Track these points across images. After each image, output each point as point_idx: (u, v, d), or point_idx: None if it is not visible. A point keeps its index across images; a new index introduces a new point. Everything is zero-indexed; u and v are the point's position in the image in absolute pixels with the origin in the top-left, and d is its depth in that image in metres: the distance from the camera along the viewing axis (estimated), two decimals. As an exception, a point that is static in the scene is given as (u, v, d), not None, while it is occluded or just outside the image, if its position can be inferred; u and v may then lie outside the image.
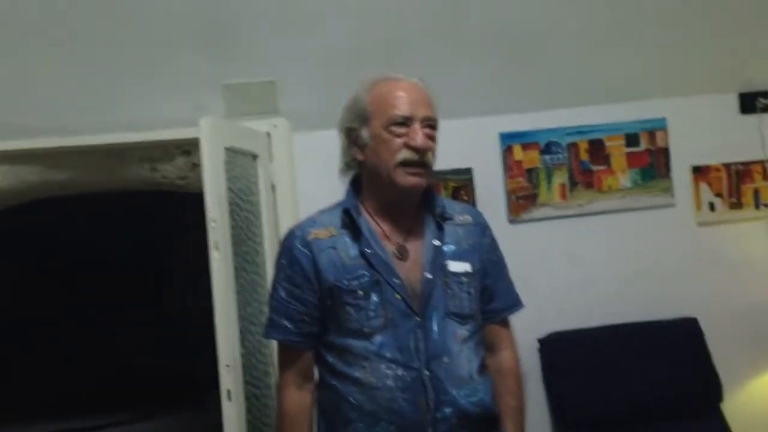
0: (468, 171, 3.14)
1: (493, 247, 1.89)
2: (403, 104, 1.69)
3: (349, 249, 1.72)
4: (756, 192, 3.23)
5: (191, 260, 3.04)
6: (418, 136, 1.68)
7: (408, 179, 1.69)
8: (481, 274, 1.81)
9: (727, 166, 3.23)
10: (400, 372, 1.65)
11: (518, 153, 3.17)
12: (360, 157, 1.75)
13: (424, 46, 2.90)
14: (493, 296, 1.85)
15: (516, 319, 2.04)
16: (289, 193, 2.93)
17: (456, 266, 1.75)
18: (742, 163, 3.23)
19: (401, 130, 1.68)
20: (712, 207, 3.22)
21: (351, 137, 1.75)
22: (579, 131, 3.20)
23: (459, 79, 3.01)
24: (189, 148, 2.96)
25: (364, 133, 1.72)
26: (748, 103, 3.24)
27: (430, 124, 1.72)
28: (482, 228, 1.86)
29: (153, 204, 3.97)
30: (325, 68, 2.86)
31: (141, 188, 3.15)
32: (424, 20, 2.84)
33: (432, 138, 1.72)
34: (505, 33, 2.92)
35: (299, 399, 1.75)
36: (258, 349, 2.52)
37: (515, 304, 1.91)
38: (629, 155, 3.20)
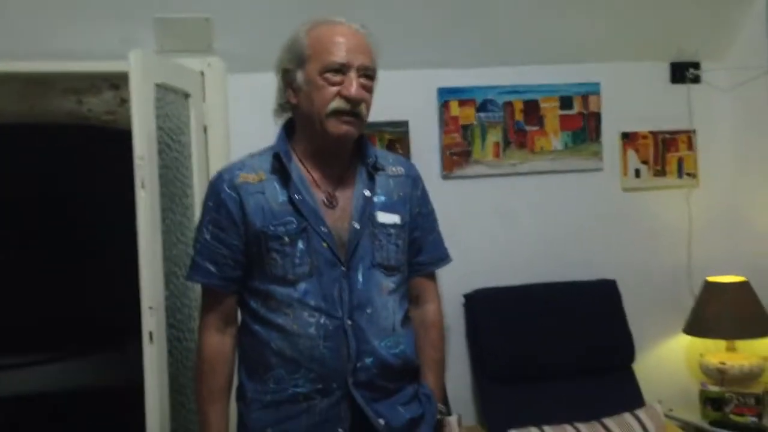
0: (404, 124, 3.14)
1: (424, 200, 1.89)
2: (340, 51, 1.64)
3: (277, 194, 1.69)
4: (680, 161, 3.34)
5: (117, 198, 2.95)
6: (353, 86, 1.64)
7: (339, 128, 1.66)
8: (411, 227, 1.81)
9: (655, 134, 3.32)
10: (322, 320, 1.65)
11: (455, 109, 3.17)
12: (293, 100, 1.71)
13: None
14: (421, 249, 1.86)
15: (444, 274, 2.07)
16: (221, 134, 2.87)
17: (385, 217, 1.74)
18: (669, 132, 3.32)
19: (336, 77, 1.64)
20: (637, 173, 3.31)
21: (286, 79, 1.71)
22: (515, 91, 3.22)
23: (399, 30, 2.97)
24: (118, 82, 2.84)
25: (299, 77, 1.67)
26: (679, 73, 3.32)
27: (367, 73, 1.67)
28: (414, 180, 1.86)
29: (77, 138, 3.83)
30: (263, 9, 2.77)
31: (65, 121, 3.02)
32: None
33: (367, 88, 1.68)
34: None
35: (220, 343, 1.74)
36: (182, 291, 2.48)
37: (443, 258, 1.93)
38: (562, 117, 3.25)
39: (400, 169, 1.83)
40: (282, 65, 1.72)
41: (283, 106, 1.76)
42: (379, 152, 1.84)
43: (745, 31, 3.21)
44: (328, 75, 1.64)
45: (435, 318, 1.91)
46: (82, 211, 4.82)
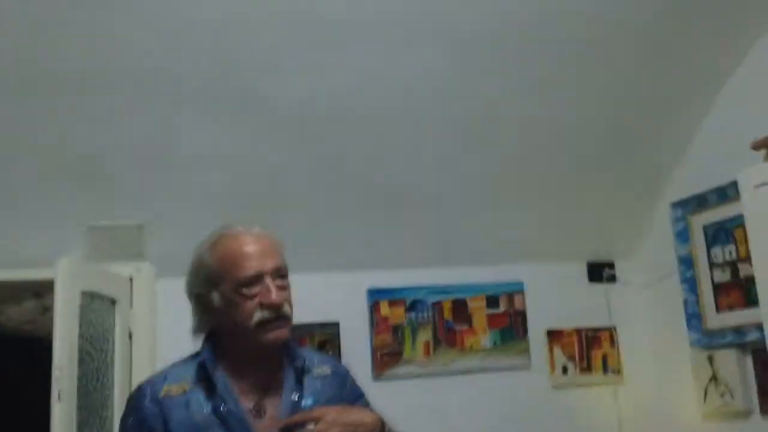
0: (335, 325, 3.15)
1: (356, 393, 1.85)
2: (250, 262, 1.64)
3: (202, 406, 1.63)
4: (604, 357, 3.42)
5: (33, 412, 2.78)
6: (272, 293, 1.63)
7: (270, 336, 1.65)
8: None
9: (579, 331, 3.41)
10: None
11: (385, 309, 3.22)
12: (213, 320, 1.70)
13: (296, 198, 2.97)
14: None
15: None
16: (147, 340, 2.81)
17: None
18: (592, 329, 3.43)
19: (253, 289, 1.64)
20: (565, 370, 3.36)
21: (201, 303, 1.70)
22: (443, 291, 3.31)
23: (329, 233, 3.08)
24: (41, 290, 2.80)
25: (215, 298, 1.66)
26: (596, 272, 3.50)
27: (281, 273, 1.70)
28: (342, 378, 1.83)
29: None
30: (194, 213, 2.83)
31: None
32: (297, 174, 2.92)
33: (284, 288, 1.70)
34: (376, 191, 3.05)
35: None
36: None
37: None
38: (490, 316, 3.33)
39: (327, 369, 1.81)
40: (193, 290, 1.71)
41: (201, 326, 1.74)
42: (307, 353, 1.82)
43: (653, 233, 3.45)
44: (244, 290, 1.63)
45: None
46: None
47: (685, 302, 3.17)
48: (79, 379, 2.29)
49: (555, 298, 3.42)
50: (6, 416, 4.41)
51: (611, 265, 3.52)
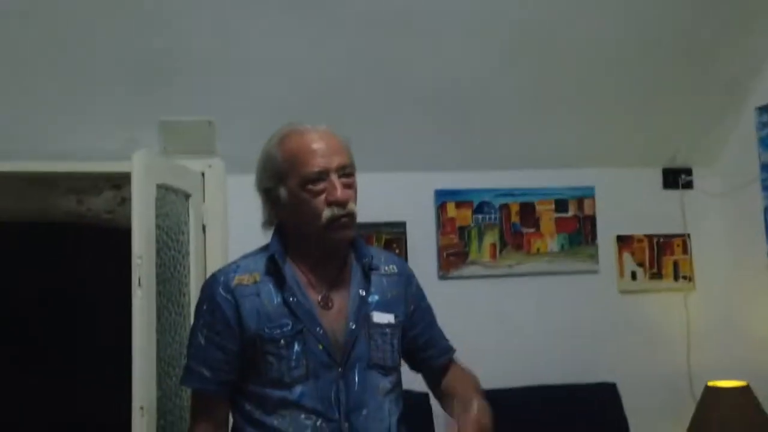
0: (401, 225, 3.17)
1: (420, 296, 1.88)
2: (316, 159, 1.64)
3: (272, 296, 1.68)
4: (675, 264, 3.36)
5: (112, 298, 2.94)
6: (338, 190, 1.64)
7: (338, 234, 1.66)
8: (409, 324, 1.80)
9: (650, 237, 3.35)
10: (319, 423, 1.62)
11: (451, 210, 3.22)
12: (282, 216, 1.72)
13: (364, 98, 2.94)
14: (428, 344, 1.84)
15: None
16: (219, 234, 2.89)
17: (380, 317, 1.73)
18: (664, 236, 3.35)
19: (319, 186, 1.64)
20: (633, 276, 3.32)
21: (270, 198, 1.72)
22: (511, 193, 3.27)
23: (398, 134, 3.06)
24: (119, 182, 2.89)
25: (282, 193, 1.67)
26: (671, 178, 3.39)
27: (346, 171, 1.69)
28: (407, 278, 1.85)
29: (77, 237, 3.84)
30: (264, 111, 2.84)
31: (64, 220, 3.05)
32: (365, 74, 2.88)
33: (350, 185, 1.69)
34: (445, 92, 2.99)
35: (212, 450, 1.69)
36: (175, 392, 2.43)
37: (450, 349, 1.90)
38: (558, 220, 3.29)
39: (393, 268, 1.83)
40: (261, 185, 1.73)
41: (271, 221, 1.76)
42: (373, 251, 1.84)
43: (735, 139, 3.30)
44: (310, 186, 1.64)
45: (467, 372, 1.87)
46: (78, 309, 4.77)
47: (766, 211, 3.06)
48: (157, 267, 2.38)
49: (627, 204, 3.35)
50: (88, 303, 4.70)
51: (688, 172, 3.40)
